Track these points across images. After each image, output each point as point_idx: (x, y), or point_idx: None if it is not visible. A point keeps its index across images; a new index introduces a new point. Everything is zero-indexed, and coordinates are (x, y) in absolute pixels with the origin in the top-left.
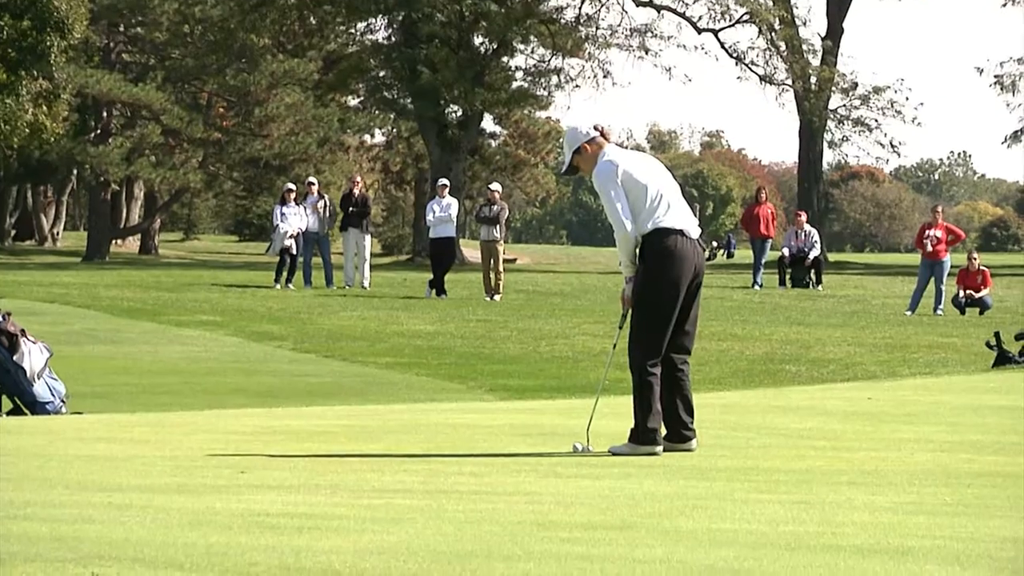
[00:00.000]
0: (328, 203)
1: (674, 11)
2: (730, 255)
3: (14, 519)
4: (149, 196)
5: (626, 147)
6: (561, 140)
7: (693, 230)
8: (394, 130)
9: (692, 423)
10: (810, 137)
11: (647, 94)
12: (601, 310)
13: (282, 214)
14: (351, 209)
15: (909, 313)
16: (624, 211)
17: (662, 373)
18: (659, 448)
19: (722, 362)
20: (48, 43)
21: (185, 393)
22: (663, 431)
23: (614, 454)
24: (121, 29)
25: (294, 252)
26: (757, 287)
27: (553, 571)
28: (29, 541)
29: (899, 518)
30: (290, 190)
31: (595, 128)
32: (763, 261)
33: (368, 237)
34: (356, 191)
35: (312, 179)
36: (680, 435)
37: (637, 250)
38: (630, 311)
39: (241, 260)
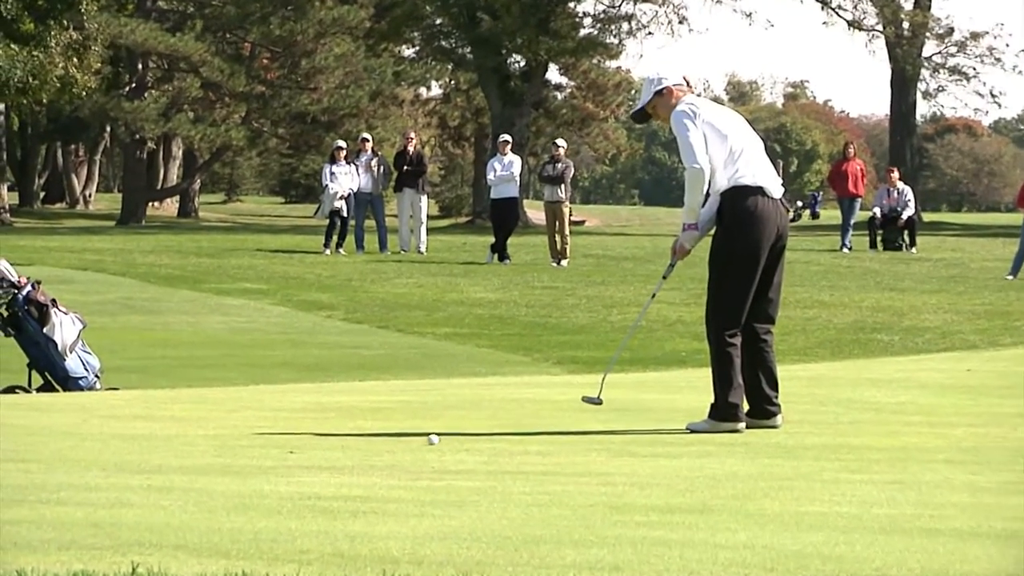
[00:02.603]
0: (381, 161)
1: None
2: (815, 215)
3: (47, 503)
4: (188, 155)
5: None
6: (633, 92)
7: (775, 189)
8: (452, 82)
9: (776, 397)
10: (902, 87)
11: (725, 42)
12: (677, 275)
13: (332, 174)
14: (406, 168)
15: (1011, 277)
16: (699, 148)
17: (744, 344)
18: (741, 424)
19: (808, 331)
20: None
21: (228, 367)
22: (745, 406)
23: (692, 431)
24: None
25: (345, 215)
26: (846, 250)
27: (628, 557)
28: (63, 527)
29: (1002, 499)
30: (340, 148)
31: (683, 78)
32: (852, 222)
33: (424, 198)
34: (411, 148)
35: (365, 135)
36: (764, 411)
37: (713, 208)
38: (708, 279)
39: (287, 223)
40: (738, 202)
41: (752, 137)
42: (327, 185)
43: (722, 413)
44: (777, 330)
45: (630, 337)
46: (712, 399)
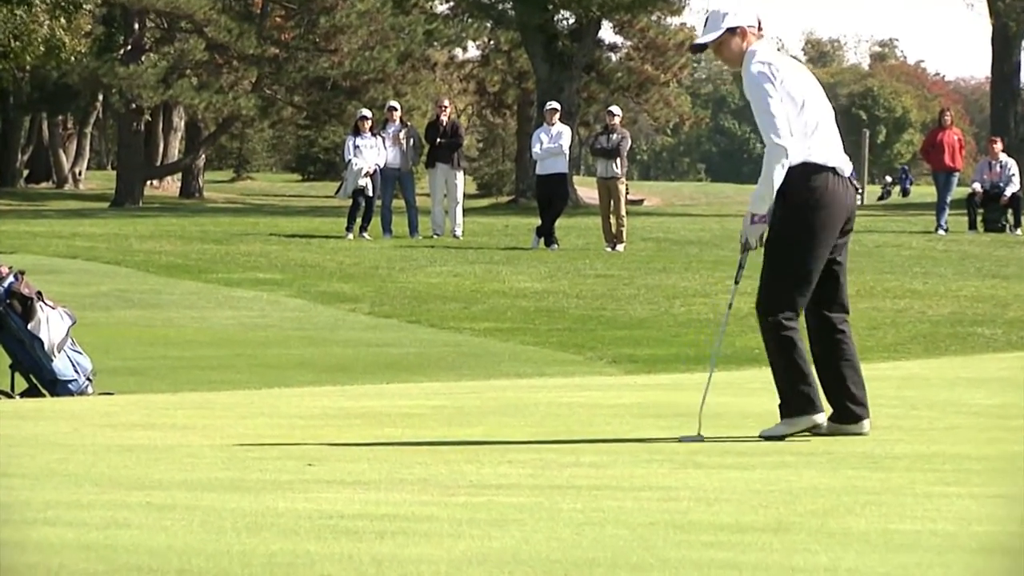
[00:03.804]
0: (411, 133)
1: None
2: (905, 192)
3: (33, 524)
4: (191, 127)
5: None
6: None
7: (846, 167)
8: (491, 42)
9: (864, 398)
10: (1005, 45)
11: None
12: (750, 261)
13: (355, 147)
14: (439, 140)
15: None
16: (783, 120)
17: (820, 338)
18: (821, 416)
19: (899, 325)
20: None
21: (238, 368)
22: (825, 406)
23: (767, 438)
24: None
25: (370, 194)
26: (941, 231)
27: None
28: (52, 550)
29: None
30: (365, 118)
31: (756, 19)
32: (949, 199)
33: (460, 174)
34: (445, 118)
35: (394, 103)
36: (849, 413)
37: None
38: (764, 259)
39: (305, 204)
40: (810, 181)
41: (827, 105)
42: (350, 160)
43: (796, 407)
44: (864, 323)
45: (717, 356)
46: (779, 396)
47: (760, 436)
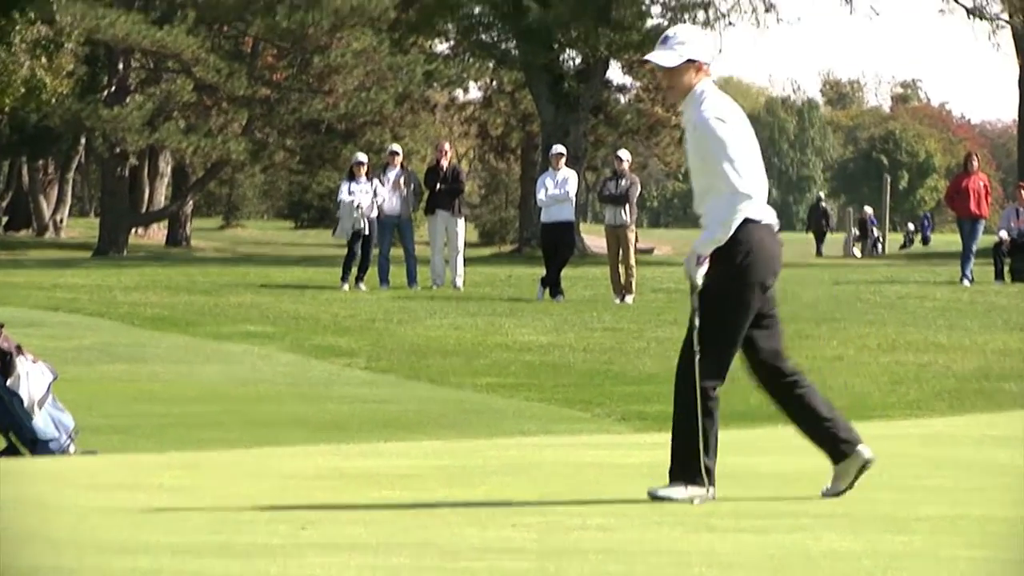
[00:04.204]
0: (411, 178)
1: None
2: (925, 241)
3: None
4: (178, 172)
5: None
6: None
7: (775, 220)
8: (494, 83)
9: (849, 425)
10: None
11: (822, 33)
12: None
13: (350, 193)
14: (439, 186)
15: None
16: (744, 167)
17: (783, 392)
18: (712, 491)
19: (922, 380)
20: None
21: (228, 426)
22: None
23: (656, 498)
24: None
25: (367, 233)
26: (967, 282)
27: None
28: None
29: None
30: (360, 163)
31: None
32: (974, 248)
33: (461, 222)
34: (445, 163)
35: (395, 147)
36: (845, 445)
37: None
38: (697, 319)
39: (298, 253)
40: (749, 236)
41: (757, 148)
42: (341, 200)
43: (696, 476)
44: (886, 379)
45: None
46: (677, 461)
47: (649, 494)
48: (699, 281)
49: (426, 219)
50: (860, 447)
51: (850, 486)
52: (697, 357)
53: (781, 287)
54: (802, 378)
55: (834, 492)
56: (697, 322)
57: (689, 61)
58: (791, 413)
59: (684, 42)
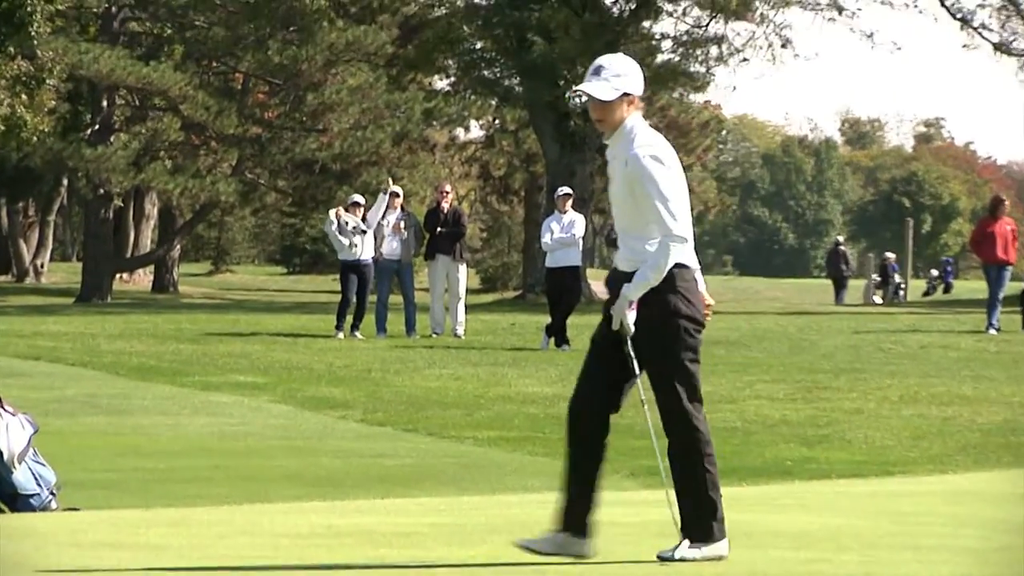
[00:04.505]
0: (411, 221)
1: None
2: (947, 288)
3: None
4: (165, 214)
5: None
6: (725, 133)
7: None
8: (496, 121)
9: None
10: None
11: (840, 70)
12: (781, 364)
13: (335, 219)
14: (439, 230)
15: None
16: (682, 211)
17: (591, 435)
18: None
19: (946, 434)
20: (28, 8)
21: (217, 481)
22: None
23: (666, 560)
24: None
25: (366, 258)
26: (993, 331)
27: None
28: None
29: None
30: (357, 204)
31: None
32: (1001, 295)
33: (463, 267)
34: (446, 205)
35: (396, 188)
36: (583, 527)
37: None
38: (653, 375)
39: (290, 300)
40: (681, 277)
41: (687, 190)
42: (328, 231)
43: (715, 532)
44: (907, 433)
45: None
46: (690, 520)
47: (658, 558)
48: (632, 328)
49: (426, 264)
50: (589, 543)
51: (544, 555)
52: (645, 407)
53: (798, 335)
54: (607, 445)
55: (528, 547)
56: (637, 370)
57: (623, 95)
58: (577, 457)
59: (620, 74)
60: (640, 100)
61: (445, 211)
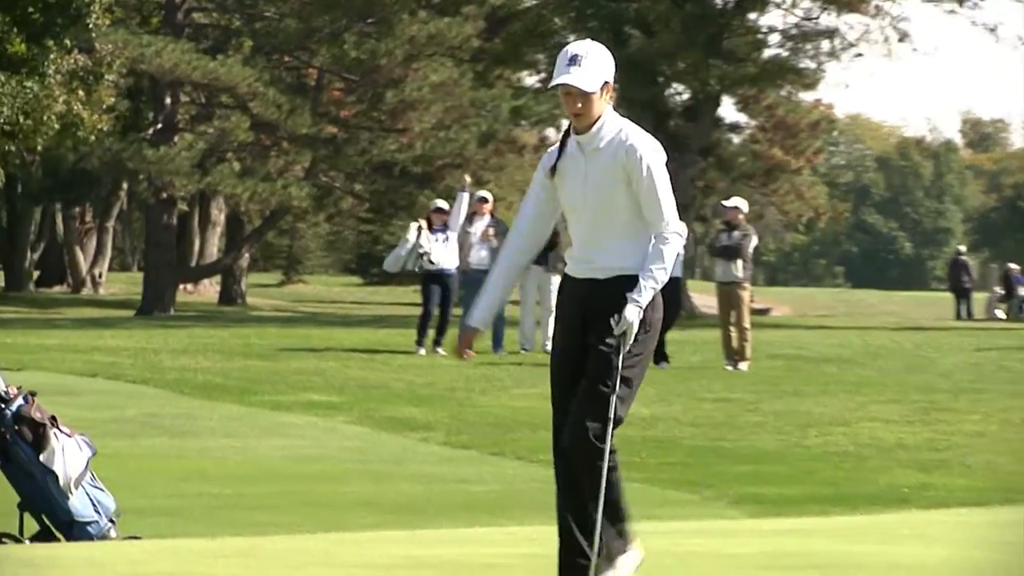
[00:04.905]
0: (501, 229)
1: None
2: None
3: None
4: (233, 220)
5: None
6: (836, 134)
7: None
8: None
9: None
10: None
11: (962, 66)
12: (896, 383)
13: (418, 230)
14: None
15: None
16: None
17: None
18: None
19: None
20: None
21: (288, 508)
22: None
23: None
24: None
25: (449, 267)
26: None
27: None
28: None
29: None
30: (440, 210)
31: None
32: None
33: (556, 278)
34: None
35: (484, 193)
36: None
37: None
38: (618, 364)
39: (367, 313)
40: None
41: None
42: (406, 240)
43: (628, 548)
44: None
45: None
46: (597, 545)
47: None
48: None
49: None
50: (633, 544)
51: None
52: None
53: (915, 352)
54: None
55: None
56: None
57: (604, 85)
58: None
59: (598, 62)
60: (614, 89)
61: None
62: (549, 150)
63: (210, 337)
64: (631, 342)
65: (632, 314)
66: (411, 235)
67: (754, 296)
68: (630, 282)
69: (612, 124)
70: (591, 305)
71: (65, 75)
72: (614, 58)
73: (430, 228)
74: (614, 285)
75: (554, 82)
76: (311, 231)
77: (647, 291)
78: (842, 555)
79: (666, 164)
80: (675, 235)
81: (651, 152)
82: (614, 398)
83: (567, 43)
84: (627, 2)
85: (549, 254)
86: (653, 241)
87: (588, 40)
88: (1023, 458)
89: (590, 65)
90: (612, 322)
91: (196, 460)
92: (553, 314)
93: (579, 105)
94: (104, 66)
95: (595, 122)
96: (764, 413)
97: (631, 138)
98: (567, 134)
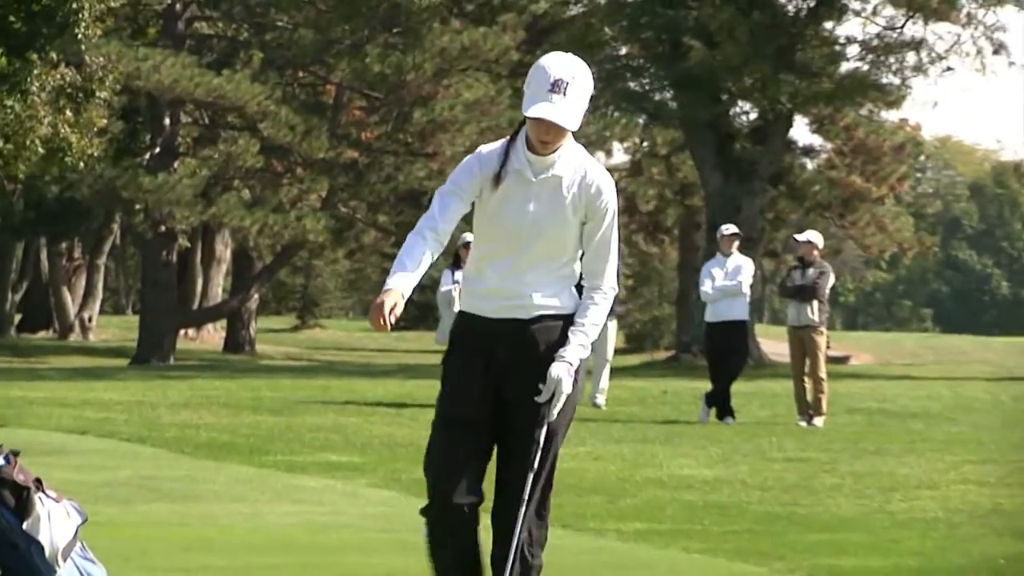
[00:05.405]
0: None
1: None
2: None
3: None
4: (241, 256)
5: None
6: (923, 158)
7: None
8: (644, 144)
9: None
10: None
11: None
12: (994, 441)
13: (455, 283)
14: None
15: None
16: None
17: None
18: None
19: None
20: (74, 4)
21: None
22: None
23: None
24: None
25: None
26: None
27: None
28: None
29: None
30: (471, 244)
31: None
32: None
33: (613, 324)
34: None
35: None
36: None
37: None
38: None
39: (393, 362)
40: None
41: None
42: (443, 293)
43: None
44: None
45: None
46: None
47: None
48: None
49: None
50: None
51: None
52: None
53: (1014, 406)
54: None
55: None
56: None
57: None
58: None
59: (584, 89)
60: None
61: None
62: (484, 151)
63: (215, 389)
64: (558, 407)
65: (562, 373)
66: (445, 286)
67: (830, 342)
68: (554, 324)
69: (571, 152)
70: (511, 349)
71: (51, 93)
72: (672, 73)
73: (459, 265)
74: (541, 330)
75: (532, 112)
76: (329, 269)
77: (580, 349)
78: None
79: (731, 193)
80: (612, 293)
81: (615, 198)
82: (550, 494)
83: (619, 56)
84: (687, 9)
85: None
86: (591, 295)
87: (568, 57)
88: None
89: (575, 94)
90: (544, 395)
91: (199, 528)
92: (608, 364)
93: (551, 136)
94: (95, 82)
95: (556, 150)
96: (842, 474)
97: (596, 177)
98: (512, 142)
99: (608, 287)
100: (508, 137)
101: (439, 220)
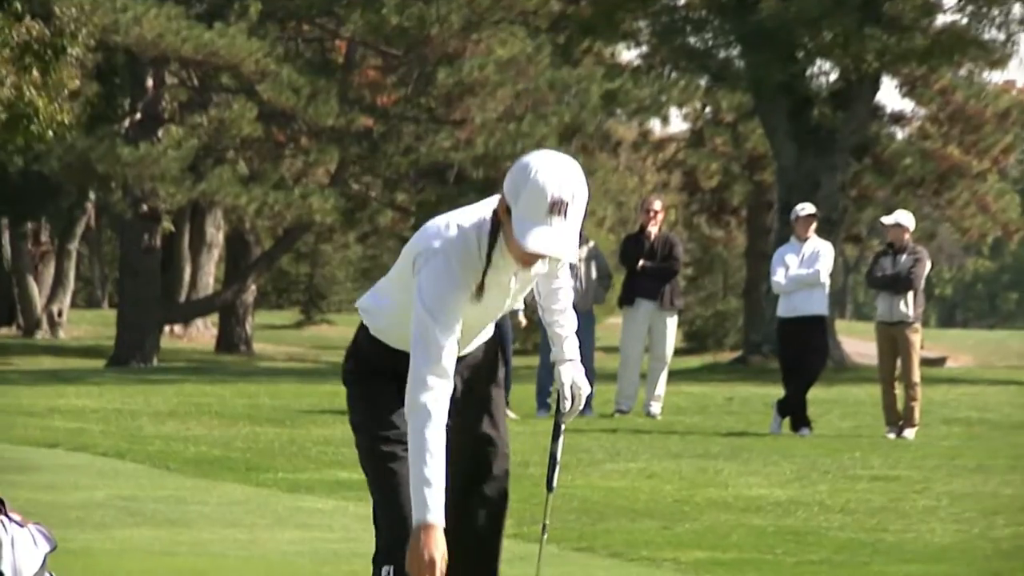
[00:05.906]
0: (594, 255)
1: None
2: None
3: None
4: (235, 241)
5: None
6: None
7: None
8: (707, 110)
9: None
10: None
11: None
12: None
13: None
14: (642, 264)
15: None
16: None
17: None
18: None
19: None
20: None
21: None
22: None
23: None
24: None
25: (507, 349)
26: None
27: None
28: None
29: None
30: None
31: None
32: None
33: (673, 320)
34: (654, 229)
35: None
36: None
37: None
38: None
39: None
40: None
41: None
42: None
43: None
44: None
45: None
46: None
47: None
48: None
49: (621, 312)
50: None
51: None
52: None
53: None
54: None
55: None
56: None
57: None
58: None
59: (582, 205)
60: None
61: (654, 238)
62: (455, 267)
63: (205, 395)
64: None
65: (576, 374)
66: None
67: (924, 341)
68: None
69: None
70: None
71: (14, 50)
72: (740, 27)
73: None
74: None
75: (532, 244)
76: (338, 256)
77: (574, 340)
78: None
79: (808, 168)
80: (570, 282)
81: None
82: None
83: (676, 7)
84: None
85: (667, 286)
86: (556, 294)
87: (564, 167)
88: None
89: (576, 214)
90: (562, 404)
91: (188, 557)
92: (666, 367)
93: (544, 261)
94: (66, 37)
95: None
96: (937, 495)
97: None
98: (494, 240)
99: (566, 278)
100: (479, 237)
101: (450, 374)
